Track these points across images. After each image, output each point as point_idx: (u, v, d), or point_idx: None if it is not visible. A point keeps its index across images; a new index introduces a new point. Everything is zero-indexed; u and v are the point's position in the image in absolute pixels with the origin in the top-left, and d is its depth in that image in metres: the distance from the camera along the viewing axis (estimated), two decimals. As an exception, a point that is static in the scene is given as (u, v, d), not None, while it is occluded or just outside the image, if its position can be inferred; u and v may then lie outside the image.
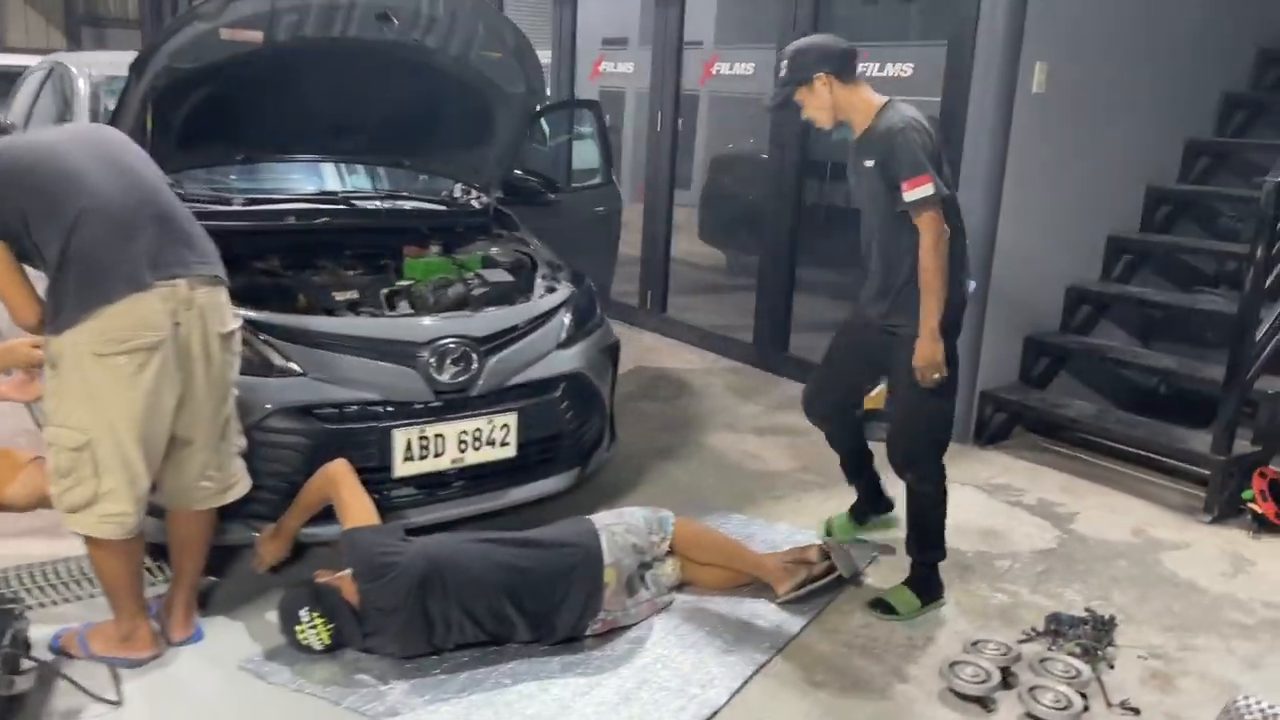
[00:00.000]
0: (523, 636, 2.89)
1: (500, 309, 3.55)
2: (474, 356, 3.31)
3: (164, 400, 2.59)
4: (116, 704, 2.56)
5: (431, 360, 3.23)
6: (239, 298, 3.43)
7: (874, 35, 6.85)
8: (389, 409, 3.19)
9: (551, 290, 3.77)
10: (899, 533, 3.54)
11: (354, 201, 4.06)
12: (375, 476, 3.17)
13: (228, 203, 3.78)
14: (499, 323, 3.46)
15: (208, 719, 2.59)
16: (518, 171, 4.82)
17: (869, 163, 2.96)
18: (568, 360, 3.60)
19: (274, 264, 3.81)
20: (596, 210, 5.60)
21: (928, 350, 2.97)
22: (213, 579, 3.15)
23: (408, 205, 4.20)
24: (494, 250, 4.16)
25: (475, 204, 4.37)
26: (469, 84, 3.83)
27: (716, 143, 9.19)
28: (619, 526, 3.07)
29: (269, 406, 3.03)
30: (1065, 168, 4.91)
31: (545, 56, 5.17)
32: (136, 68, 3.15)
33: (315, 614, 2.73)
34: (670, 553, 3.24)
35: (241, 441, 2.92)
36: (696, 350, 6.53)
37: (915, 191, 2.79)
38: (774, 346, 6.05)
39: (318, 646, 2.76)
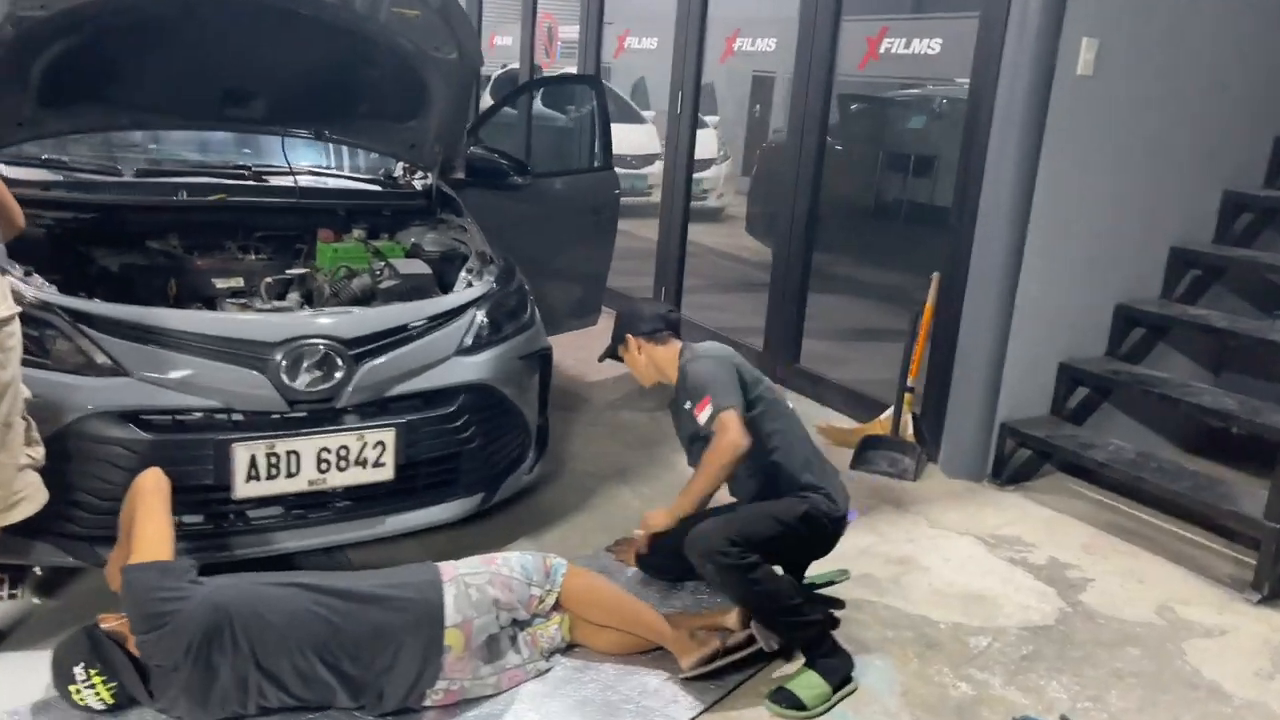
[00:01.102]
0: (343, 703, 2.39)
1: (379, 307, 3.06)
2: (339, 361, 2.83)
3: None
4: None
5: (285, 364, 2.76)
6: (93, 281, 3.06)
7: (900, 7, 6.11)
8: (233, 419, 2.73)
9: (469, 286, 3.27)
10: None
11: (269, 178, 3.61)
12: (212, 497, 2.72)
13: (117, 173, 3.38)
14: (375, 322, 2.96)
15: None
16: (480, 151, 4.32)
17: (686, 405, 2.85)
18: (470, 369, 3.09)
19: (169, 244, 3.40)
20: (589, 197, 5.04)
21: (660, 517, 2.89)
22: (10, 598, 2.75)
23: (332, 183, 3.74)
24: (428, 238, 3.67)
25: (416, 185, 3.88)
26: (388, 47, 3.34)
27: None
28: (478, 577, 2.54)
29: (86, 409, 2.59)
30: (1118, 164, 4.17)
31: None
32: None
33: (92, 672, 2.28)
34: (558, 607, 2.71)
35: (36, 453, 2.49)
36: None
37: (702, 414, 2.74)
38: (783, 357, 5.42)
39: (99, 708, 2.31)
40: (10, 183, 3.13)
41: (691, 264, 6.64)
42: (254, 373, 2.73)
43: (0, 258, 2.42)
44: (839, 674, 2.67)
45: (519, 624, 2.64)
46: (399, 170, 3.96)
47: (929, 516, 3.88)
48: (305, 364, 2.78)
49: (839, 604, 3.09)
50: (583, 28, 7.12)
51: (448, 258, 3.57)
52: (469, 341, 3.12)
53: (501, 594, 2.53)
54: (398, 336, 2.96)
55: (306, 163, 3.87)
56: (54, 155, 3.41)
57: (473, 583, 2.50)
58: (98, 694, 2.28)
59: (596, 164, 5.27)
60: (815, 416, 4.92)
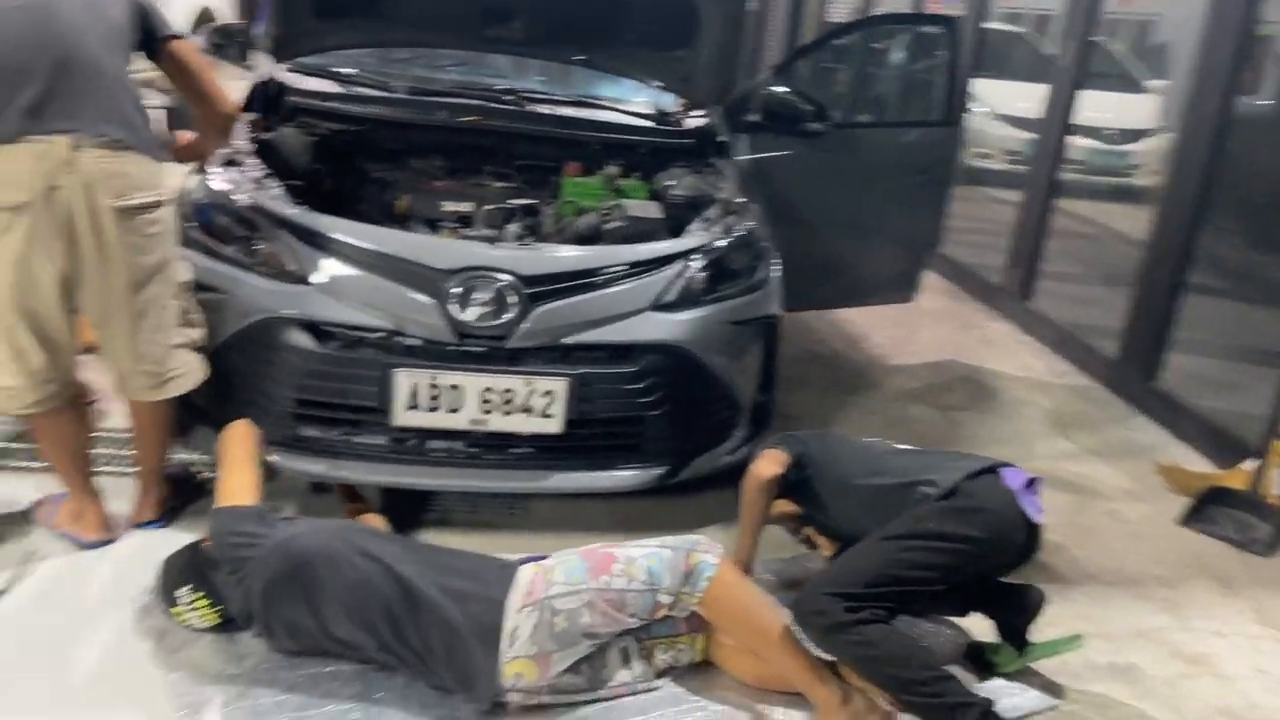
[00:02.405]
0: (418, 672, 2.20)
1: (569, 247, 2.79)
2: (513, 298, 2.62)
3: (38, 272, 2.30)
4: (-1, 593, 2.38)
5: (457, 294, 2.60)
6: (333, 192, 3.12)
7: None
8: (403, 344, 2.63)
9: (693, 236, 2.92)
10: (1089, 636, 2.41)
11: (533, 105, 3.47)
12: (372, 420, 2.66)
13: (389, 90, 3.43)
14: (560, 263, 2.71)
15: (66, 639, 2.29)
16: (778, 90, 3.88)
17: None
18: (664, 327, 2.75)
19: (431, 163, 3.41)
20: (918, 153, 4.37)
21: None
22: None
23: (596, 116, 3.52)
24: (685, 181, 3.35)
25: (690, 123, 3.56)
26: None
27: None
28: (573, 599, 2.13)
29: (267, 312, 2.62)
30: None
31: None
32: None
33: (198, 595, 2.27)
34: (696, 617, 2.30)
35: (193, 334, 2.59)
36: (1047, 355, 5.05)
37: None
38: (1137, 370, 4.42)
39: (201, 627, 2.30)
40: (297, 92, 3.31)
41: (1080, 248, 5.70)
42: (425, 298, 2.60)
43: (150, 146, 2.45)
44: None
45: (637, 633, 2.28)
46: (675, 107, 3.66)
47: (1262, 609, 2.92)
48: (477, 296, 2.60)
49: (1058, 693, 2.38)
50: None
51: (694, 204, 3.22)
52: (670, 297, 2.77)
53: (600, 619, 2.15)
54: (584, 281, 2.69)
55: (581, 92, 3.69)
56: (341, 69, 3.54)
57: (562, 608, 2.13)
58: (201, 616, 2.27)
59: (939, 117, 4.58)
60: (1161, 450, 3.96)
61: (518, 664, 2.11)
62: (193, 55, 2.66)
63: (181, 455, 2.91)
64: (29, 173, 2.25)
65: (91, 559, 2.56)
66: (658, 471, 2.85)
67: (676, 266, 2.80)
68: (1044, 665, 2.48)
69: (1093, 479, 3.66)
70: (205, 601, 2.26)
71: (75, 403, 2.57)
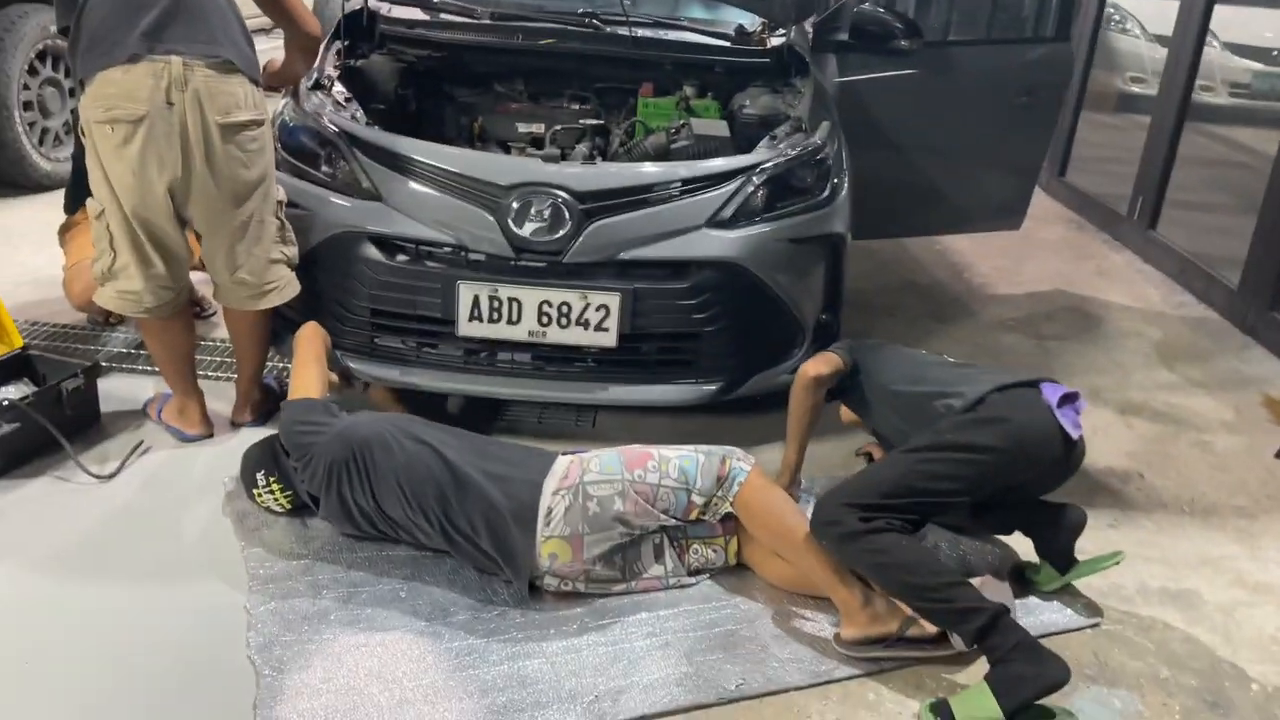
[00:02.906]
0: (463, 552, 2.37)
1: (623, 163, 2.85)
2: (567, 214, 2.71)
3: (153, 179, 2.52)
4: (103, 479, 2.66)
5: (514, 209, 2.71)
6: (413, 115, 3.27)
7: None
8: (467, 258, 2.77)
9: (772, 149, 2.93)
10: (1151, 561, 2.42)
11: (611, 27, 3.52)
12: (440, 330, 2.82)
13: (474, 16, 3.54)
14: (614, 179, 2.78)
15: (162, 518, 2.56)
16: (867, 7, 3.80)
17: None
18: (719, 244, 2.79)
19: (514, 87, 3.53)
20: (1025, 73, 4.18)
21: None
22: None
23: (672, 36, 3.54)
24: (760, 100, 3.36)
25: (771, 43, 3.54)
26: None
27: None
28: (606, 487, 2.26)
29: (342, 226, 2.80)
30: None
31: None
32: None
33: (272, 479, 2.49)
34: (730, 519, 2.40)
35: (288, 251, 2.79)
36: (1167, 285, 4.81)
37: None
38: (1259, 300, 4.17)
39: (279, 510, 2.54)
40: (385, 19, 3.47)
41: (1222, 176, 5.36)
42: (484, 214, 2.72)
43: (253, 69, 2.63)
44: (1026, 693, 1.97)
45: (672, 532, 2.38)
46: (756, 26, 3.63)
47: (1349, 545, 2.77)
48: (533, 212, 2.70)
49: (1098, 613, 2.35)
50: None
51: (766, 122, 3.22)
52: (727, 214, 2.81)
53: (633, 508, 2.26)
54: (638, 197, 2.76)
55: (660, 13, 3.70)
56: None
57: (595, 494, 2.25)
58: (276, 499, 2.51)
59: (1050, 33, 4.36)
60: (1272, 383, 3.76)
61: (552, 543, 2.24)
62: None
63: (277, 363, 3.15)
64: (148, 89, 2.47)
65: (191, 451, 2.84)
66: (713, 387, 2.92)
67: (735, 183, 2.83)
68: (1094, 587, 2.45)
69: (1188, 409, 3.51)
70: (279, 487, 2.49)
71: (184, 311, 2.82)
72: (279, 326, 2.94)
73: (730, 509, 2.34)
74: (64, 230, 3.59)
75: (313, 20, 2.89)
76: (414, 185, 2.77)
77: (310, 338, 2.68)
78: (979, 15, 5.24)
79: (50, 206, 4.07)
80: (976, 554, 2.58)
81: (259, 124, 2.65)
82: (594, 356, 2.86)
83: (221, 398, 3.01)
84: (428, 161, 2.77)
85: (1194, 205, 5.37)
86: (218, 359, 3.34)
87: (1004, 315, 4.34)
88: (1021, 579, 2.48)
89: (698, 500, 2.32)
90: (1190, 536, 2.75)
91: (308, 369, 2.60)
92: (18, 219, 4.64)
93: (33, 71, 4.87)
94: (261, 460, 2.53)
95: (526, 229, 2.71)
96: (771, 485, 2.39)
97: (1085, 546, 2.52)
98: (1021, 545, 2.54)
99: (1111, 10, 6.57)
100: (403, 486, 2.29)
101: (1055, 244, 5.39)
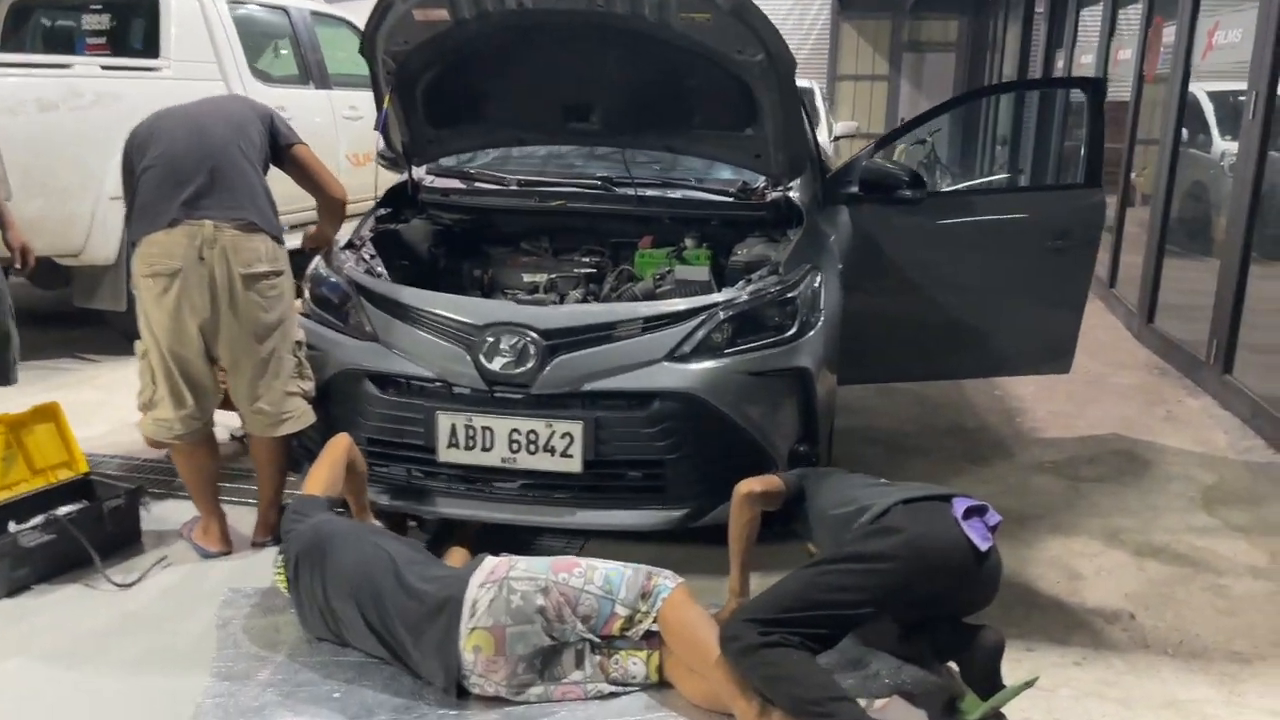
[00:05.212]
0: (397, 655, 2.53)
1: (585, 303, 3.09)
2: (532, 350, 2.96)
3: (186, 323, 2.94)
4: (123, 586, 3.00)
5: (486, 346, 2.99)
6: (431, 271, 3.66)
7: None
8: (444, 389, 3.05)
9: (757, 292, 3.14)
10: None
11: (619, 188, 3.86)
12: (423, 456, 3.08)
13: (503, 183, 3.96)
14: (575, 317, 3.03)
15: (166, 620, 2.85)
16: (875, 162, 4.01)
17: None
18: (676, 375, 2.97)
19: (539, 245, 3.89)
20: (1057, 218, 4.22)
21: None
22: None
23: (675, 194, 3.84)
24: (755, 249, 3.58)
25: (770, 196, 3.79)
26: (695, 54, 3.34)
27: None
28: (530, 583, 2.42)
29: (343, 365, 3.15)
30: None
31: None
32: (363, 52, 3.51)
33: (280, 562, 2.76)
34: (654, 635, 2.48)
35: (305, 385, 3.14)
36: (1239, 430, 4.58)
37: None
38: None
39: (283, 589, 2.79)
40: (426, 189, 3.94)
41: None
42: (460, 350, 3.01)
43: (274, 228, 3.06)
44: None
45: (595, 644, 2.48)
46: (759, 182, 3.88)
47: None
48: (502, 348, 2.97)
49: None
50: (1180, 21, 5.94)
51: (752, 267, 3.43)
52: (688, 348, 2.99)
53: (554, 606, 2.40)
54: (601, 334, 2.99)
55: (669, 174, 4.01)
56: (469, 168, 4.12)
57: (519, 588, 2.41)
58: (279, 579, 2.77)
59: (1082, 179, 4.43)
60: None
61: (477, 635, 2.39)
62: (309, 157, 3.30)
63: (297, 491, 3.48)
64: (184, 248, 2.94)
65: (207, 566, 3.15)
66: (679, 513, 3.03)
67: (696, 320, 3.02)
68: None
69: (1214, 553, 3.32)
70: (282, 568, 2.74)
71: (209, 439, 3.21)
72: (300, 455, 3.28)
73: (654, 625, 2.44)
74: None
75: (338, 187, 3.34)
76: (405, 327, 3.11)
77: (334, 444, 2.96)
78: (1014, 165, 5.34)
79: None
80: (916, 681, 2.53)
81: (278, 274, 3.07)
82: (565, 482, 3.04)
83: (246, 520, 3.35)
84: (417, 306, 3.12)
85: (1273, 349, 5.11)
86: (241, 485, 3.69)
87: (1043, 457, 4.24)
88: (954, 709, 2.42)
89: (621, 612, 2.43)
90: (1162, 678, 2.60)
91: (320, 469, 2.89)
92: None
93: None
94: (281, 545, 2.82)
95: (496, 363, 2.98)
96: (693, 604, 2.48)
97: (1044, 683, 2.46)
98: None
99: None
100: (349, 582, 2.52)
101: (1128, 389, 5.23)
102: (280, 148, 3.24)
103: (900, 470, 4.03)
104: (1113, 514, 3.63)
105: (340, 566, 2.55)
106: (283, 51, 6.82)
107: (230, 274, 2.95)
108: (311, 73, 6.73)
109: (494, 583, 2.44)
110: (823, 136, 10.14)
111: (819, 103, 10.83)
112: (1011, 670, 2.54)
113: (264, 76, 6.29)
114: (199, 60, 5.77)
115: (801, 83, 10.86)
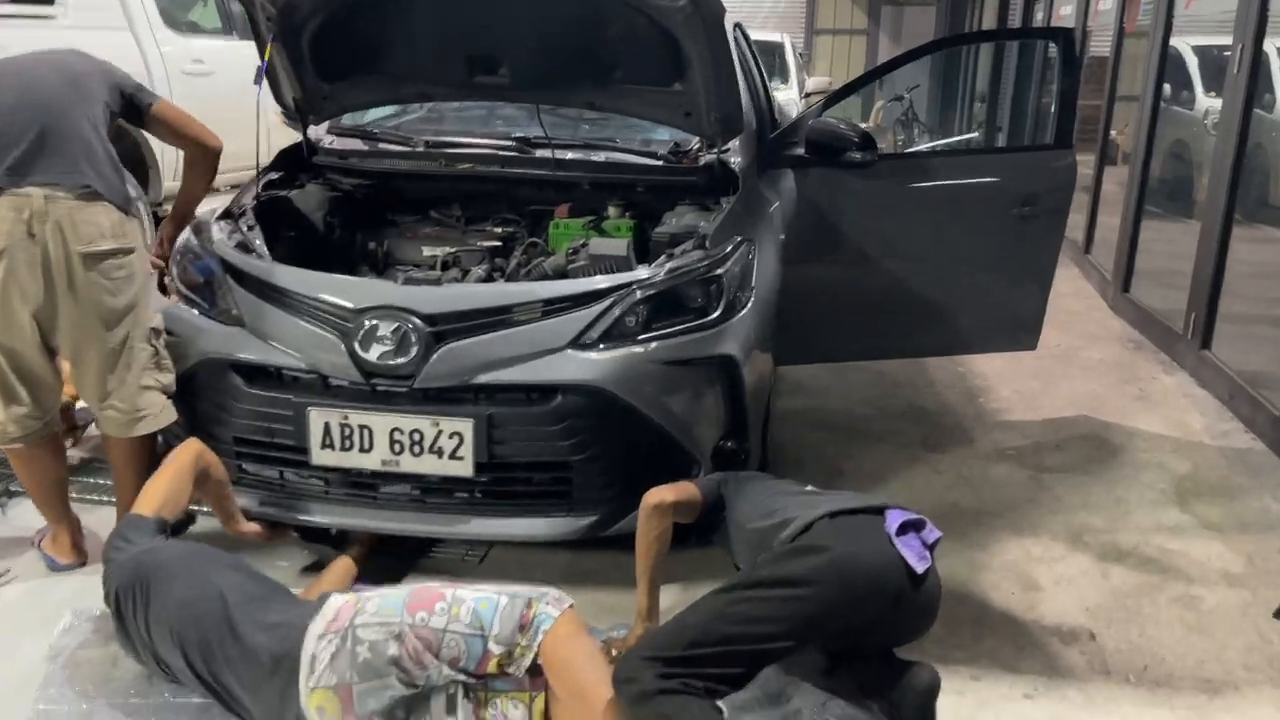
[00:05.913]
0: (230, 708, 2.17)
1: (475, 284, 2.72)
2: (414, 337, 2.58)
3: (16, 310, 2.54)
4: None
5: (362, 333, 2.61)
6: (321, 243, 3.26)
7: None
8: (323, 383, 2.67)
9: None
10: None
11: (537, 150, 3.45)
12: (293, 458, 2.71)
13: (409, 144, 3.54)
14: (465, 300, 2.64)
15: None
16: (821, 120, 3.62)
17: None
18: (582, 366, 2.60)
19: (449, 213, 3.50)
20: (1021, 182, 3.84)
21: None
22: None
23: (598, 157, 3.43)
24: (685, 219, 3.20)
25: (704, 160, 3.39)
26: (616, 2, 2.94)
27: None
28: (379, 630, 2.02)
29: (204, 354, 2.76)
30: None
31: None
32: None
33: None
34: (538, 671, 2.13)
35: (163, 378, 2.76)
36: (1216, 411, 4.26)
37: None
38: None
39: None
40: (324, 151, 3.53)
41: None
42: (333, 338, 2.63)
43: (120, 198, 2.65)
44: None
45: (469, 684, 2.12)
46: (693, 144, 3.49)
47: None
48: (380, 335, 2.59)
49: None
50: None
51: (677, 240, 3.05)
52: (594, 335, 2.62)
53: (410, 655, 2.01)
54: (492, 319, 2.61)
55: (593, 135, 3.61)
56: (373, 128, 3.71)
57: (365, 638, 2.01)
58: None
59: (1050, 139, 4.05)
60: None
61: (319, 695, 2.02)
62: (172, 111, 2.88)
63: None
64: (9, 222, 2.53)
65: (55, 580, 2.79)
66: (588, 521, 2.68)
67: (605, 302, 2.65)
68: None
69: (1186, 557, 3.01)
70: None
71: (53, 439, 2.82)
72: (165, 454, 2.90)
73: (536, 662, 2.08)
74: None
75: (213, 137, 2.93)
76: (274, 311, 2.72)
77: (179, 452, 2.57)
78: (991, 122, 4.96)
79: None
80: (842, 719, 2.20)
81: (125, 252, 2.67)
82: (458, 488, 2.68)
83: (107, 523, 2.97)
84: (287, 287, 2.72)
85: (1257, 320, 4.80)
86: (96, 480, 3.31)
87: (1007, 444, 3.91)
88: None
89: (495, 649, 2.06)
90: (1122, 711, 2.28)
91: (156, 483, 2.50)
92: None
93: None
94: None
95: (373, 352, 2.60)
96: (580, 637, 2.11)
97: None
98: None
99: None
100: (172, 630, 2.14)
101: (1100, 365, 4.90)
102: (140, 109, 2.83)
103: (848, 458, 3.70)
104: (1077, 510, 3.30)
105: (164, 608, 2.16)
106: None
107: (67, 253, 2.55)
108: (235, 23, 6.25)
109: (335, 633, 2.04)
110: (792, 93, 9.73)
111: (789, 57, 10.38)
112: (954, 705, 2.24)
113: (178, 26, 5.81)
114: (100, 8, 5.28)
115: (771, 36, 10.55)
